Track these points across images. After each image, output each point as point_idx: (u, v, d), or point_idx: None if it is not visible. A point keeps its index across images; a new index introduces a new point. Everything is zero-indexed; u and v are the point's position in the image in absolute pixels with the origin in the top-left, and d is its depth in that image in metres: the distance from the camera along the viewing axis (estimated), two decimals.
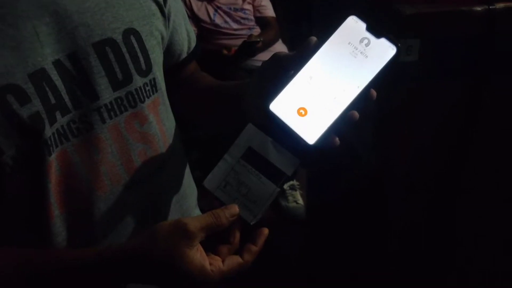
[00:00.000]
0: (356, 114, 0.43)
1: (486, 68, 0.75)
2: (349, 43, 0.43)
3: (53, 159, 0.46)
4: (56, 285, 0.45)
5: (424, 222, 0.89)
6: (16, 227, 0.48)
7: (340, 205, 1.11)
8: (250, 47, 1.75)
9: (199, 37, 1.79)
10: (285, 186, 1.79)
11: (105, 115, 0.49)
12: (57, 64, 0.45)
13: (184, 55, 0.63)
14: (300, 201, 1.77)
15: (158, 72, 0.55)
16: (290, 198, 1.78)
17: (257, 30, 1.87)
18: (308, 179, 1.38)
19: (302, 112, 0.43)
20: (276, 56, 0.47)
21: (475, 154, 0.82)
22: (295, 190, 1.81)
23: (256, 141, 0.46)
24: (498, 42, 0.73)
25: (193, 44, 0.64)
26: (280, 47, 1.90)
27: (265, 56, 1.80)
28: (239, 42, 1.78)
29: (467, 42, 0.73)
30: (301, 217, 1.69)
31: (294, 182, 1.83)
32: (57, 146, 0.46)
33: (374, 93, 0.43)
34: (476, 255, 0.94)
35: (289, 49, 1.89)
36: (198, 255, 0.41)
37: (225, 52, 1.76)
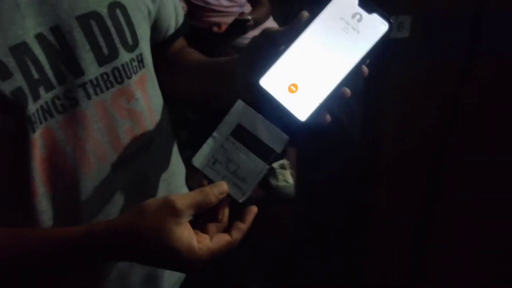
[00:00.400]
0: (347, 91, 0.42)
1: (475, 47, 0.75)
2: (341, 18, 0.42)
3: (37, 136, 0.45)
4: (42, 264, 0.44)
5: (408, 205, 0.90)
6: (0, 205, 0.47)
7: (330, 184, 1.11)
8: (241, 25, 1.72)
9: (188, 14, 1.75)
10: (275, 165, 1.79)
11: (91, 91, 0.47)
12: (39, 37, 0.43)
13: (172, 31, 0.61)
14: (290, 180, 1.78)
15: (145, 48, 0.54)
16: (280, 177, 1.78)
17: (248, 8, 1.84)
18: (298, 158, 1.38)
19: (293, 88, 0.42)
20: (266, 31, 0.46)
21: (458, 137, 0.83)
22: (285, 169, 1.82)
23: (245, 118, 0.45)
24: (488, 21, 0.72)
25: (181, 19, 0.63)
26: (271, 25, 1.87)
27: (256, 34, 1.77)
28: (229, 19, 1.75)
29: (459, 19, 0.73)
30: (291, 196, 1.70)
31: (284, 161, 1.83)
32: (41, 123, 0.45)
33: (365, 69, 0.43)
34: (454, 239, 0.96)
35: (280, 27, 1.86)
36: (186, 232, 0.41)
37: (215, 29, 1.73)
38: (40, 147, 0.45)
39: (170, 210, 0.40)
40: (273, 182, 1.77)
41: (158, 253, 0.41)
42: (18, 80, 0.42)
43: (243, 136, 0.45)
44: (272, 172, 1.78)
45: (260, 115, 0.45)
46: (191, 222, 0.43)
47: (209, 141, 0.45)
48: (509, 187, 0.90)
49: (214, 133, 0.45)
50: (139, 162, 0.54)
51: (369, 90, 0.83)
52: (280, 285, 0.70)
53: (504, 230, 0.95)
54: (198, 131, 1.91)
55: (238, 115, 0.45)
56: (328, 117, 0.43)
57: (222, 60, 0.57)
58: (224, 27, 1.74)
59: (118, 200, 0.53)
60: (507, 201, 0.92)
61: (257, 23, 1.79)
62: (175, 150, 0.64)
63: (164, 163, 0.60)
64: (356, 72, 0.42)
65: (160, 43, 0.60)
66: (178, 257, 0.40)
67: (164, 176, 0.60)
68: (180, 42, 0.65)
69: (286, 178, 1.78)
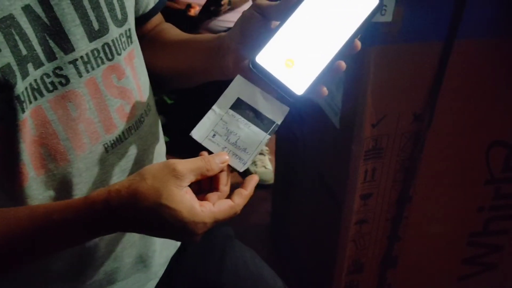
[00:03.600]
0: (343, 64, 0.43)
1: (456, 31, 0.74)
2: None
3: (27, 117, 0.42)
4: (41, 240, 0.42)
5: (388, 188, 0.90)
6: None
7: (308, 170, 1.11)
8: (216, 5, 1.67)
9: None
10: None
11: (82, 68, 0.45)
12: (26, 9, 0.40)
13: (152, 4, 0.59)
14: (269, 166, 1.77)
15: (132, 23, 0.52)
16: (258, 163, 1.78)
17: None
18: (277, 144, 1.37)
19: (289, 63, 0.43)
20: (258, 6, 0.45)
21: (438, 121, 0.83)
22: (264, 155, 1.82)
23: (245, 92, 0.46)
24: (470, 5, 0.72)
25: None
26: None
27: (232, 16, 1.73)
28: (203, 0, 1.70)
29: (441, 2, 0.72)
30: (269, 182, 1.70)
31: (263, 147, 1.83)
32: (30, 102, 0.42)
33: (358, 43, 0.43)
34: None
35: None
36: (187, 195, 0.40)
37: (190, 12, 1.68)
38: (30, 128, 0.43)
39: (171, 172, 0.40)
40: (251, 168, 1.77)
41: (159, 216, 0.39)
42: (6, 55, 0.39)
43: (243, 109, 0.45)
44: None
45: (259, 89, 0.45)
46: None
47: (209, 114, 0.45)
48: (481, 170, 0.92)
49: (214, 107, 0.46)
50: (130, 142, 0.52)
51: (348, 76, 0.83)
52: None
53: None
54: (175, 115, 1.88)
55: (237, 89, 0.46)
56: (325, 90, 0.43)
57: (207, 36, 0.56)
58: (197, 7, 1.69)
59: (112, 182, 0.52)
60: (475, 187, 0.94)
61: (235, 5, 1.75)
62: (161, 131, 0.63)
63: (154, 144, 0.59)
64: (350, 45, 0.43)
65: (139, 18, 0.58)
66: (180, 219, 0.39)
67: (155, 155, 0.59)
68: (159, 16, 0.63)
69: (264, 164, 1.78)
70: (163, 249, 0.63)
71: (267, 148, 1.84)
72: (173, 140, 1.93)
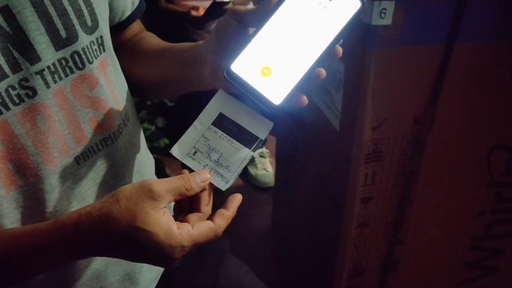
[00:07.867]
0: (323, 71, 0.40)
1: (456, 34, 0.74)
2: None
3: None
4: (6, 268, 0.41)
5: (385, 192, 0.90)
6: None
7: (309, 172, 1.11)
8: (220, 8, 1.68)
9: None
10: (255, 154, 1.78)
11: (49, 78, 0.43)
12: None
13: (129, 12, 0.57)
14: (269, 168, 1.77)
15: (105, 29, 0.50)
16: (259, 165, 1.78)
17: None
18: (278, 147, 1.37)
19: (266, 71, 0.41)
20: (234, 12, 0.43)
21: (439, 125, 0.83)
22: (265, 158, 1.82)
23: (227, 107, 0.44)
24: (470, 8, 0.72)
25: (137, 0, 0.59)
26: None
27: None
28: (207, 3, 1.71)
29: (441, 5, 0.72)
30: (270, 184, 1.70)
31: (264, 150, 1.83)
32: None
33: (340, 49, 0.41)
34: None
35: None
36: (164, 218, 0.38)
37: (193, 13, 1.68)
38: None
39: (147, 193, 0.38)
40: (252, 170, 1.77)
41: (133, 240, 0.38)
42: None
43: (226, 124, 0.44)
44: (251, 160, 1.78)
45: (242, 103, 0.44)
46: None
47: (190, 130, 0.44)
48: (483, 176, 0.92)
49: (195, 123, 0.44)
50: (106, 154, 0.50)
51: (348, 79, 0.82)
52: (261, 273, 0.69)
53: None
54: (175, 117, 1.88)
55: (219, 104, 0.44)
56: (304, 99, 0.41)
57: (184, 45, 0.53)
58: (202, 10, 1.70)
59: (87, 196, 0.50)
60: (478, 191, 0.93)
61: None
62: (143, 139, 0.61)
63: (135, 154, 0.57)
64: (330, 52, 0.40)
65: (115, 26, 0.56)
66: (156, 242, 0.37)
67: (136, 167, 0.57)
68: (137, 24, 0.61)
69: (265, 166, 1.78)
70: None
71: (267, 150, 1.84)
72: (173, 142, 1.94)
